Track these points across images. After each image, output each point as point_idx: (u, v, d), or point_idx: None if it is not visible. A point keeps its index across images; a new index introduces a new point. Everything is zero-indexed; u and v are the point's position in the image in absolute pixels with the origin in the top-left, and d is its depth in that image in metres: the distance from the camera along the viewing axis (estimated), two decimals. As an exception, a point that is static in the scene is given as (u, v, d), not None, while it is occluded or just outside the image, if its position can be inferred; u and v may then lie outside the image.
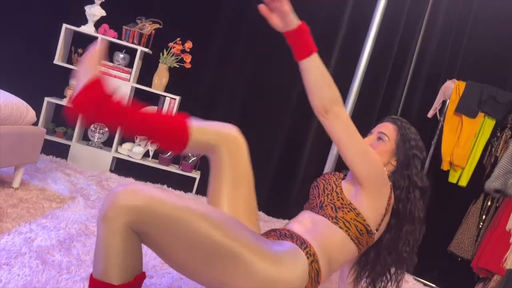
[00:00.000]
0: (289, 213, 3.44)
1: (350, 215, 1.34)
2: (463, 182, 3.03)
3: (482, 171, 3.01)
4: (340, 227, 1.32)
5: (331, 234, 1.32)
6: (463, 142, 3.03)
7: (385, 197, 1.38)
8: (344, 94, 2.66)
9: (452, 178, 3.08)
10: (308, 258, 1.23)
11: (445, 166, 3.08)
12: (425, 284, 2.90)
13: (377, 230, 1.39)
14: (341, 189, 1.40)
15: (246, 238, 1.15)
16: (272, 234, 1.36)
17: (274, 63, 3.49)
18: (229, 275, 1.12)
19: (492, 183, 2.81)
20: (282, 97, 3.59)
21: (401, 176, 1.47)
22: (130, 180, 3.15)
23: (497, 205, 2.94)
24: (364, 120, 3.51)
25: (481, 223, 3.02)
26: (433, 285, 2.99)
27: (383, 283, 1.55)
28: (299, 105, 3.55)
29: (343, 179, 1.49)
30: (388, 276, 1.55)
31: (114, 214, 1.04)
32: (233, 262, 1.11)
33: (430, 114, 3.16)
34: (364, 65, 2.73)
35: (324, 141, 2.84)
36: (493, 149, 3.00)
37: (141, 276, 1.14)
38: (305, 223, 1.38)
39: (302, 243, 1.27)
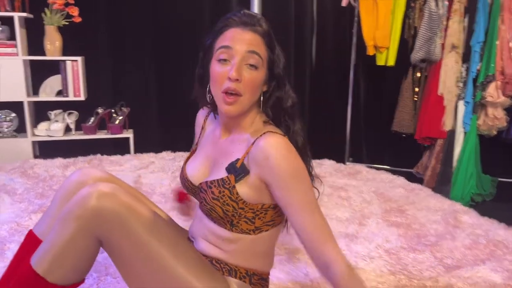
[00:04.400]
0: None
1: (268, 216, 1.08)
2: (391, 62, 3.04)
3: (406, 45, 3.02)
4: (266, 230, 1.09)
5: (259, 244, 1.11)
6: (382, 22, 2.99)
7: None
8: None
9: (380, 61, 3.07)
10: (245, 281, 1.10)
11: (370, 51, 3.05)
12: (377, 169, 3.00)
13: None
14: (243, 201, 1.04)
15: (202, 274, 1.05)
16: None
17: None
18: None
19: (416, 54, 2.83)
20: (193, 29, 3.33)
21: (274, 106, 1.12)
22: (59, 161, 2.88)
23: (426, 74, 2.99)
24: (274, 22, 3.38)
25: (416, 96, 3.08)
26: (386, 167, 3.11)
27: None
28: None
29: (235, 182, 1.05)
30: None
31: (85, 214, 0.99)
32: None
33: (344, 3, 3.06)
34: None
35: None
36: (410, 21, 2.98)
37: (80, 283, 1.07)
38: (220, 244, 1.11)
39: (230, 271, 1.10)
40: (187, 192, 1.21)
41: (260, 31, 1.05)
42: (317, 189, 1.08)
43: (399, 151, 3.28)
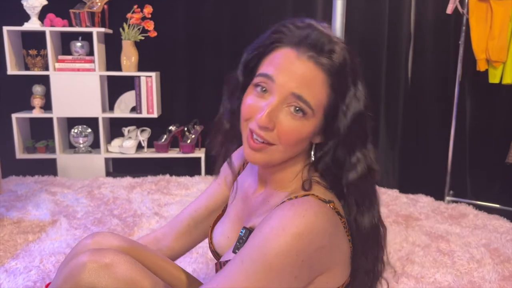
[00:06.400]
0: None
1: None
2: (508, 79, 2.48)
3: (529, 59, 2.44)
4: None
5: None
6: (497, 31, 2.45)
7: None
8: None
9: (493, 78, 2.52)
10: None
11: (481, 66, 2.52)
12: (486, 208, 2.43)
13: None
14: None
15: None
16: None
17: (253, 4, 2.97)
18: None
19: (545, 71, 2.26)
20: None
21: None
22: (127, 180, 2.78)
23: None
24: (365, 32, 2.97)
25: (540, 122, 2.49)
26: (497, 205, 2.52)
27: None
28: None
29: None
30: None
31: None
32: None
33: (449, 10, 2.57)
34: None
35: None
36: (537, 30, 2.41)
37: None
38: None
39: None
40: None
41: (325, 65, 0.71)
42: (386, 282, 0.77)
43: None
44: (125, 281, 0.79)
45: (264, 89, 0.73)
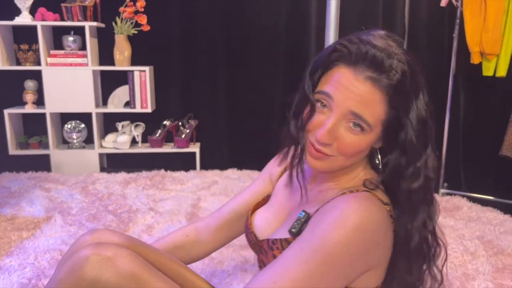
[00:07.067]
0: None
1: None
2: (502, 72, 2.49)
3: (522, 52, 2.45)
4: None
5: None
6: (492, 23, 2.46)
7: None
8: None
9: (487, 71, 2.53)
10: None
11: (475, 59, 2.53)
12: (480, 201, 2.45)
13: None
14: None
15: None
16: None
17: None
18: None
19: (538, 64, 2.27)
20: (272, 42, 3.05)
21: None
22: (122, 176, 2.77)
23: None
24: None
25: (533, 114, 2.50)
26: (490, 198, 2.54)
27: None
28: (295, 48, 3.02)
29: None
30: None
31: (78, 286, 0.79)
32: None
33: (443, 3, 2.56)
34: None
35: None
36: (530, 22, 2.41)
37: None
38: None
39: None
40: (250, 247, 0.98)
41: (383, 85, 0.73)
42: None
43: (507, 179, 2.69)
44: (128, 274, 0.79)
45: (324, 104, 0.77)
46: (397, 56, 0.74)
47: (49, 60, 2.85)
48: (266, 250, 0.86)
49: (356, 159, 0.81)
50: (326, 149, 0.78)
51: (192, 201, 2.32)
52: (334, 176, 0.86)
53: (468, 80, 2.81)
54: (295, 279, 0.71)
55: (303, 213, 0.82)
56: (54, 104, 2.88)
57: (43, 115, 2.91)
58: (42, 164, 2.94)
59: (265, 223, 0.94)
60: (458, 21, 2.57)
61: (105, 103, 3.08)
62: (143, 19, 2.81)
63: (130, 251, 0.84)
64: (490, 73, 2.53)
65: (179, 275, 0.99)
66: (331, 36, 1.69)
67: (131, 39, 2.93)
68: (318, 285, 0.71)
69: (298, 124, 0.82)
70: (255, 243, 0.94)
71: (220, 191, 2.49)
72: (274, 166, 1.05)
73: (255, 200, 1.06)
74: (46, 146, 2.97)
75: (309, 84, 0.79)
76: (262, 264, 0.90)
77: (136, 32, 2.87)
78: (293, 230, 0.81)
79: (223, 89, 3.15)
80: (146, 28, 2.84)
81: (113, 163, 3.17)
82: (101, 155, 3.07)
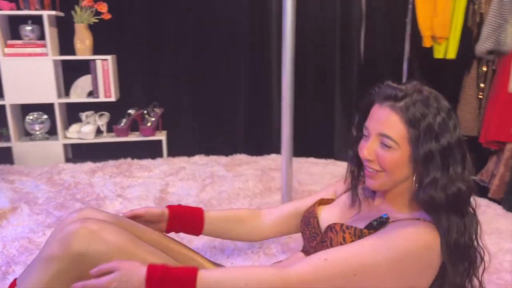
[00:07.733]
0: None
1: None
2: (451, 54, 2.65)
3: (469, 35, 2.61)
4: None
5: None
6: (441, 8, 2.60)
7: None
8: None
9: (438, 54, 2.69)
10: None
11: (427, 43, 2.67)
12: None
13: None
14: None
15: None
16: None
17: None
18: None
19: (483, 45, 2.42)
20: (235, 29, 3.09)
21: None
22: (88, 165, 2.76)
23: (493, 68, 2.57)
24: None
25: (481, 93, 2.67)
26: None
27: None
28: (257, 35, 3.08)
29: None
30: None
31: (67, 256, 0.84)
32: None
33: (396, -11, 2.70)
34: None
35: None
36: (475, 7, 2.57)
37: None
38: None
39: None
40: (302, 228, 1.14)
41: (398, 107, 0.94)
42: None
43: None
44: (115, 246, 0.85)
45: (365, 135, 1.00)
46: (410, 88, 0.96)
47: (7, 50, 2.79)
48: (337, 231, 0.98)
49: (398, 174, 0.96)
50: (373, 165, 0.97)
51: (161, 186, 2.36)
52: (389, 196, 1.01)
53: (421, 63, 2.96)
54: (363, 263, 0.87)
55: (386, 215, 0.96)
56: (13, 96, 2.83)
57: (2, 107, 2.84)
58: (4, 157, 2.88)
59: (331, 218, 1.08)
60: (410, 6, 2.71)
61: (67, 93, 3.05)
62: (103, 7, 2.79)
63: (117, 226, 0.89)
64: (441, 56, 2.68)
65: (167, 247, 1.05)
66: (288, 22, 1.76)
67: (92, 28, 2.89)
68: (377, 277, 0.86)
69: (353, 152, 1.05)
70: (313, 227, 1.08)
71: (188, 177, 2.54)
72: (340, 184, 1.21)
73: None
74: (7, 138, 2.92)
75: (356, 123, 1.06)
76: (326, 241, 0.99)
77: (97, 20, 2.84)
78: (374, 223, 0.95)
79: (187, 77, 3.18)
80: (107, 16, 2.82)
81: (78, 154, 3.14)
82: (65, 146, 3.03)
